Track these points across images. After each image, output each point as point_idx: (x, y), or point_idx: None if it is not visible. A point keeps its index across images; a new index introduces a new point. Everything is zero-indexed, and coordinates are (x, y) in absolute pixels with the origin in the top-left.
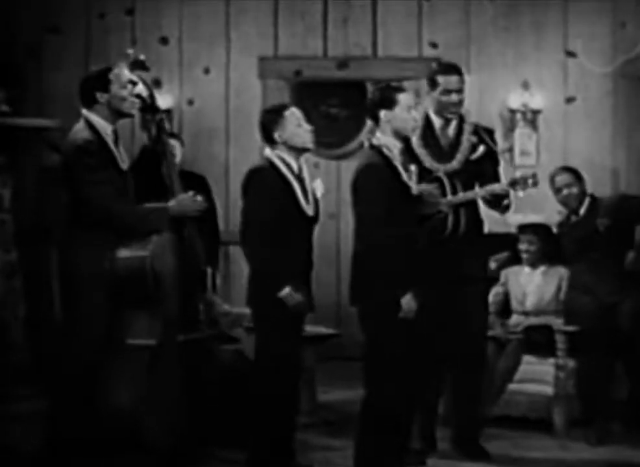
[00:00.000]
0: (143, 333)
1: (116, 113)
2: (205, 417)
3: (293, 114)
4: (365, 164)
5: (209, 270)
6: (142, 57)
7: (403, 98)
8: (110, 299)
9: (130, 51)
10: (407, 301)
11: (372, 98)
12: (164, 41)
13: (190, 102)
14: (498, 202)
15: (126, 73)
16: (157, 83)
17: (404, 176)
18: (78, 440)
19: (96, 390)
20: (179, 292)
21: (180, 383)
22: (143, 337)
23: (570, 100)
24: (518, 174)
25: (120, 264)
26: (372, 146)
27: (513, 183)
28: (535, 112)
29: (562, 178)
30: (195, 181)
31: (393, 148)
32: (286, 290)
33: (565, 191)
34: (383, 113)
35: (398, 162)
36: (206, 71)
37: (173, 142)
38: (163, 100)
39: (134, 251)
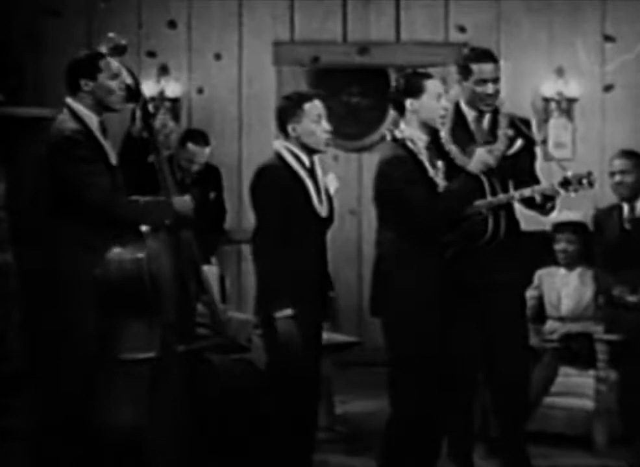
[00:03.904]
0: (141, 345)
1: (100, 105)
2: (210, 435)
3: (314, 108)
4: (389, 156)
5: (217, 273)
6: (124, 41)
7: (430, 85)
8: (101, 308)
9: (112, 35)
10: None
11: (397, 86)
12: (172, 24)
13: (200, 91)
14: (542, 204)
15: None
16: (164, 70)
17: (431, 172)
18: (66, 462)
19: (90, 408)
20: (177, 297)
21: (183, 399)
22: (140, 349)
23: (608, 88)
24: (570, 173)
25: (112, 268)
26: (394, 139)
27: (566, 183)
28: (571, 101)
29: (619, 163)
30: (209, 173)
31: (418, 142)
32: (286, 312)
33: (618, 178)
34: (409, 102)
35: (424, 156)
36: (217, 56)
37: (201, 150)
38: (171, 89)
39: (127, 253)
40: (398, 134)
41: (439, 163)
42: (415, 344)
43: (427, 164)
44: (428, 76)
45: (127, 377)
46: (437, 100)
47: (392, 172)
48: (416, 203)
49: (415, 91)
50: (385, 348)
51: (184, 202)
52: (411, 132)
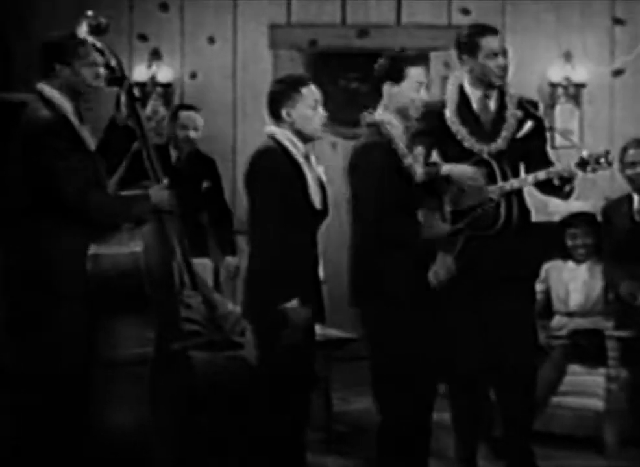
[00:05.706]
0: (137, 343)
1: (72, 91)
2: (200, 437)
3: (311, 93)
4: (362, 144)
5: (212, 265)
6: (104, 20)
7: (413, 73)
8: (92, 305)
9: (90, 13)
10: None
11: (379, 67)
12: (164, 7)
13: (193, 76)
14: (560, 187)
15: (95, 47)
16: (156, 54)
17: (406, 161)
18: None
19: (83, 410)
20: (168, 292)
21: (176, 397)
22: (136, 348)
23: (617, 73)
24: (585, 152)
25: (106, 262)
26: (370, 124)
27: (583, 163)
28: (579, 86)
29: (635, 153)
30: (203, 165)
31: (394, 128)
32: (294, 303)
33: (638, 168)
34: (386, 87)
35: (399, 143)
36: (211, 40)
37: (193, 114)
38: (163, 73)
39: (122, 246)
40: (375, 118)
41: (419, 149)
42: (398, 343)
43: (402, 151)
44: (413, 62)
45: (126, 378)
46: (416, 90)
47: (359, 161)
48: (360, 203)
49: (396, 76)
50: (368, 344)
51: (162, 194)
52: (388, 117)
